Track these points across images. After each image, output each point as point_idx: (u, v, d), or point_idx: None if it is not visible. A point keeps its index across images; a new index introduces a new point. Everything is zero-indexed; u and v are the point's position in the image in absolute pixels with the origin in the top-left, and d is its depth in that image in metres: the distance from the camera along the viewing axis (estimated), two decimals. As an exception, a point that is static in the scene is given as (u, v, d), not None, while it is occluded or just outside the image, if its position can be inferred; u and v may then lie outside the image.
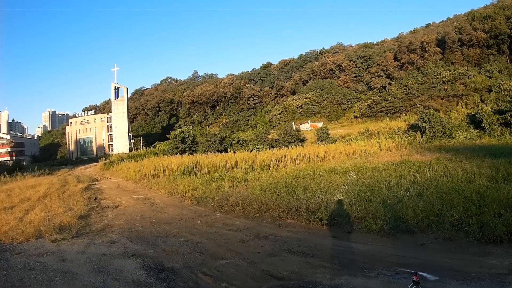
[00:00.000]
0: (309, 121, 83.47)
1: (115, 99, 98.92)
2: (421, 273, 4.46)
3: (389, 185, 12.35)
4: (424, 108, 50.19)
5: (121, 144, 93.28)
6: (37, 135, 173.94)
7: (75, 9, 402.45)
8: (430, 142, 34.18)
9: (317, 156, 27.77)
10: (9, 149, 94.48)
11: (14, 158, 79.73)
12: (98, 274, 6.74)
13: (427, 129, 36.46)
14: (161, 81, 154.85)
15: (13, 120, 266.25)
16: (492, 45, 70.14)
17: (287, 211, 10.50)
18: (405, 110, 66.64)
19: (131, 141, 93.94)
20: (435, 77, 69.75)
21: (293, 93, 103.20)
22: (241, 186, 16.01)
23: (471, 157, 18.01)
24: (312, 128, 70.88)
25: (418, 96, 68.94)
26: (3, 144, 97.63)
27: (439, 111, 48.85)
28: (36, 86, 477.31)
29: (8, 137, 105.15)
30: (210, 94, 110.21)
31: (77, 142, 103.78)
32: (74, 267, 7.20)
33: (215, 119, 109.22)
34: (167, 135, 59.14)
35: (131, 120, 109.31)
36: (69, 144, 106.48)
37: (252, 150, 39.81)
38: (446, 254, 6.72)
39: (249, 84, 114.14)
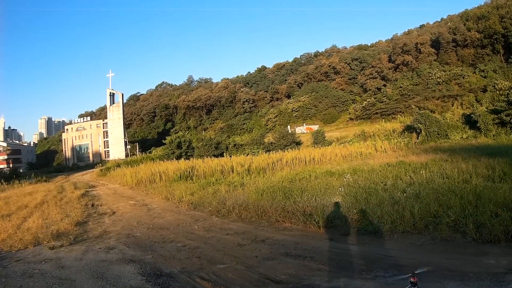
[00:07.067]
0: (304, 124, 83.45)
1: (110, 105, 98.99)
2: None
3: (385, 187, 12.36)
4: (419, 109, 50.33)
5: (117, 150, 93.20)
6: (34, 142, 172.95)
7: (69, 16, 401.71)
8: (426, 143, 34.30)
9: (313, 159, 27.83)
10: (6, 157, 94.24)
11: (11, 165, 79.64)
12: (96, 280, 6.75)
13: (422, 130, 36.60)
14: (156, 86, 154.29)
15: (9, 127, 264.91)
16: (486, 45, 70.29)
17: (284, 215, 10.52)
18: (400, 112, 66.78)
19: (127, 147, 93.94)
20: (430, 78, 69.92)
21: (288, 96, 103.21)
22: (238, 190, 16.03)
23: (467, 157, 18.07)
24: (308, 131, 70.94)
25: (413, 97, 69.07)
26: (0, 151, 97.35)
27: (434, 112, 49.03)
28: (31, 93, 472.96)
29: (4, 144, 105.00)
30: (205, 98, 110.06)
31: (73, 148, 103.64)
32: (72, 274, 7.20)
33: (210, 123, 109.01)
34: (163, 141, 58.98)
35: (126, 126, 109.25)
36: (65, 150, 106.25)
37: (248, 154, 39.83)
38: (444, 255, 6.75)
39: (244, 88, 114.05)
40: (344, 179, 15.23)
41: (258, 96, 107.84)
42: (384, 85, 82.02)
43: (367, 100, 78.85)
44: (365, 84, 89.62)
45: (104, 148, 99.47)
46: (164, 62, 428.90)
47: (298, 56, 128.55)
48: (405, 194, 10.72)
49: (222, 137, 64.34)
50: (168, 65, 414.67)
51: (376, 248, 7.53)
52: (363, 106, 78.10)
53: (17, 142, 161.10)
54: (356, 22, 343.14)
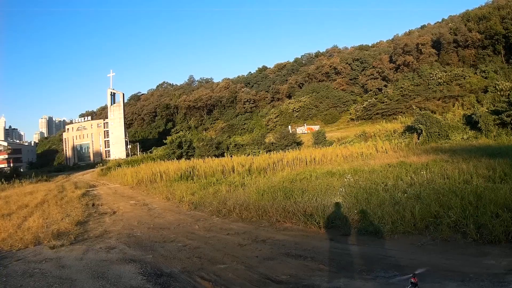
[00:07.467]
0: (305, 124, 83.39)
1: (111, 104, 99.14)
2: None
3: (386, 187, 12.34)
4: (420, 110, 50.36)
5: (118, 149, 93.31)
6: (34, 142, 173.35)
7: (69, 16, 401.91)
8: (426, 144, 34.25)
9: (314, 159, 27.84)
10: (6, 156, 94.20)
11: (11, 165, 79.55)
12: (97, 280, 6.73)
13: (423, 131, 36.56)
14: (157, 86, 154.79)
15: (10, 127, 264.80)
16: (487, 46, 70.13)
17: (284, 215, 10.50)
18: (401, 112, 66.80)
19: (128, 146, 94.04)
20: (431, 78, 69.77)
21: (289, 97, 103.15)
22: (238, 190, 16.01)
23: (468, 158, 18.07)
24: (309, 132, 71.00)
25: (414, 98, 69.02)
26: (0, 151, 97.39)
27: (435, 113, 49.00)
28: (32, 92, 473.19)
29: (5, 144, 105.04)
30: (206, 98, 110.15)
31: (74, 148, 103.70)
32: (72, 274, 7.19)
33: (211, 123, 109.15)
34: (163, 140, 59.15)
35: (127, 125, 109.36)
36: (66, 150, 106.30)
37: (249, 154, 39.82)
38: (444, 255, 6.73)
39: (245, 88, 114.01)
40: (345, 180, 15.20)
41: (259, 96, 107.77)
42: (385, 86, 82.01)
43: (368, 100, 78.80)
44: (366, 84, 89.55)
45: (105, 147, 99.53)
46: (165, 62, 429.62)
47: (299, 56, 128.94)
48: (405, 194, 10.71)
49: (223, 137, 64.43)
50: (169, 65, 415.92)
51: (376, 249, 7.51)
52: (364, 107, 78.08)
53: (17, 141, 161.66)
54: (357, 22, 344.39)
